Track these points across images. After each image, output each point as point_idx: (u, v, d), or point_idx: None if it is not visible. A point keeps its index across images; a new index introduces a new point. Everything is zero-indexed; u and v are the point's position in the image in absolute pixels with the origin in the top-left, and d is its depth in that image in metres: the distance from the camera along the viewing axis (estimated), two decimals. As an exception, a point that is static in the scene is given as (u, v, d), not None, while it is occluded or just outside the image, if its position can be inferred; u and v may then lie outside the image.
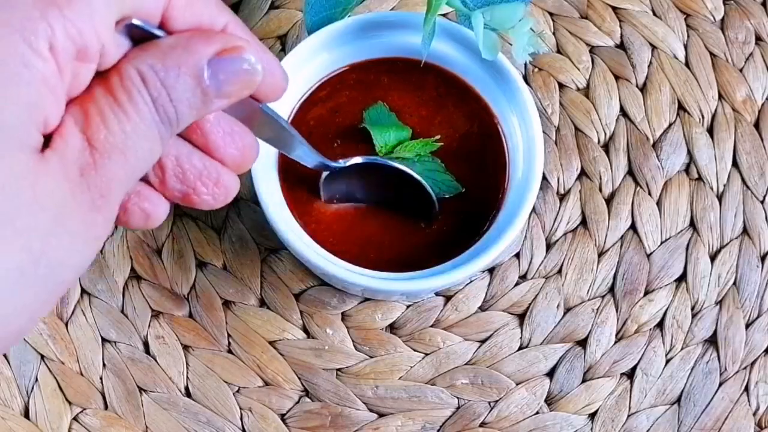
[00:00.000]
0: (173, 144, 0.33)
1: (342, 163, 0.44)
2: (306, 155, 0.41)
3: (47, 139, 0.28)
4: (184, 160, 0.33)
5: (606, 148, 0.53)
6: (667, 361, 0.51)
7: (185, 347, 0.51)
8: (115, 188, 0.30)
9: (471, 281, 0.51)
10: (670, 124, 0.54)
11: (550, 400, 0.50)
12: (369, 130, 0.46)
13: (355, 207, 0.47)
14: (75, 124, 0.29)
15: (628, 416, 0.50)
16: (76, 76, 0.29)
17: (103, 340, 0.51)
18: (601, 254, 0.52)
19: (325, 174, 0.45)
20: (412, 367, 0.50)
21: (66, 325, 0.51)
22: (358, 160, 0.45)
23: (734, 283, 0.52)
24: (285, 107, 0.47)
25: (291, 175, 0.47)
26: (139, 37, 0.30)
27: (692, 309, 0.51)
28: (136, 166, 0.30)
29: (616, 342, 0.51)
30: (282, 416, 0.50)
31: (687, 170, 0.53)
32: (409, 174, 0.45)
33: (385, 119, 0.47)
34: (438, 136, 0.47)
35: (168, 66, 0.30)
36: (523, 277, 0.52)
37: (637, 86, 0.54)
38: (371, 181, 0.46)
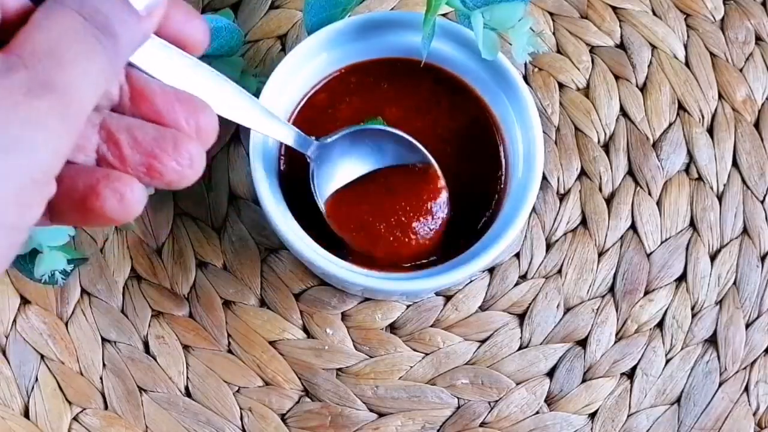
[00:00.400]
0: (123, 119, 0.31)
1: (329, 137, 0.44)
2: (284, 135, 0.40)
3: None
4: (137, 131, 0.31)
5: (606, 148, 0.53)
6: (667, 361, 0.51)
7: (185, 347, 0.51)
8: (72, 85, 0.28)
9: (471, 281, 0.51)
10: (670, 124, 0.54)
11: (550, 400, 0.50)
12: None
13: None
14: None
15: (628, 416, 0.50)
16: None
17: (103, 340, 0.51)
18: (601, 254, 0.52)
19: (313, 167, 0.44)
20: (412, 367, 0.50)
21: (66, 325, 0.51)
22: (343, 131, 0.44)
23: (734, 283, 0.52)
24: (285, 107, 0.47)
25: (291, 175, 0.47)
26: None
27: (692, 309, 0.51)
28: (86, 74, 0.28)
29: (616, 342, 0.51)
30: (282, 416, 0.50)
31: (687, 170, 0.53)
32: (396, 133, 0.45)
33: None
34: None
35: None
36: (523, 277, 0.52)
37: (637, 86, 0.54)
38: (360, 152, 0.45)
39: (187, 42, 0.33)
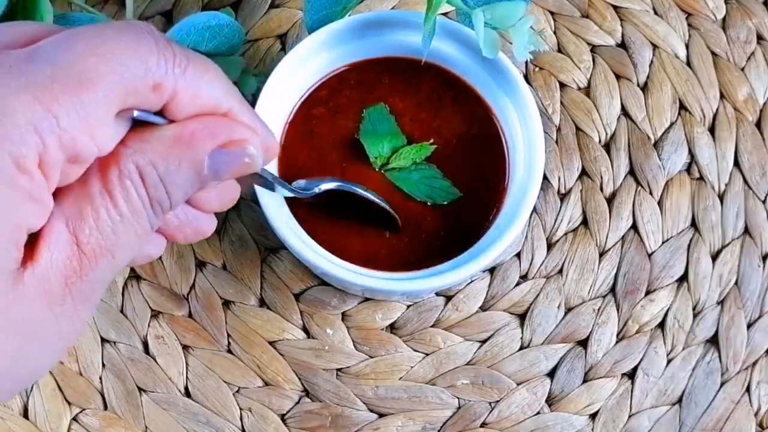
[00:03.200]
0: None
1: (311, 191, 0.44)
2: (279, 190, 0.42)
3: (32, 237, 0.28)
4: (168, 215, 0.33)
5: (607, 147, 0.53)
6: (669, 362, 0.51)
7: (185, 347, 0.51)
8: (99, 288, 0.29)
9: (471, 281, 0.51)
10: (672, 124, 0.54)
11: (551, 401, 0.50)
12: (363, 143, 0.47)
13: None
14: (65, 225, 0.28)
15: (630, 417, 0.50)
16: (67, 174, 0.28)
17: (103, 340, 0.51)
18: (602, 254, 0.52)
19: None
20: (412, 367, 0.50)
21: (65, 325, 0.51)
22: (327, 186, 0.44)
23: (736, 283, 0.51)
24: (285, 107, 0.47)
25: (291, 175, 0.47)
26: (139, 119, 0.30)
27: (693, 309, 0.51)
28: (123, 261, 0.30)
29: (617, 342, 0.51)
30: (282, 416, 0.50)
31: (688, 170, 0.53)
32: (371, 199, 0.45)
33: (384, 121, 0.47)
34: (431, 140, 0.47)
35: (169, 161, 0.29)
36: (524, 277, 0.52)
37: (638, 85, 0.54)
38: (341, 202, 0.46)
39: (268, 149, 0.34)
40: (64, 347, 0.29)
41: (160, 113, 0.30)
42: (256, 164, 0.32)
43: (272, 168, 0.46)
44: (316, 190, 0.44)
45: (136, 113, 0.29)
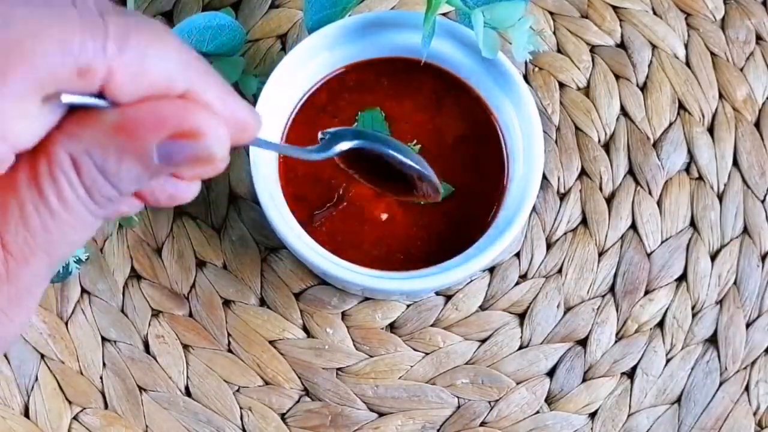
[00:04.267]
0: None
1: (321, 153, 0.39)
2: (292, 154, 0.38)
3: None
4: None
5: (606, 147, 0.53)
6: (668, 361, 0.51)
7: (185, 346, 0.51)
8: (36, 289, 0.27)
9: (471, 281, 0.51)
10: (671, 124, 0.54)
11: (550, 400, 0.50)
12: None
13: (355, 207, 0.47)
14: None
15: (629, 416, 0.50)
16: None
17: (103, 339, 0.51)
18: (601, 254, 0.52)
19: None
20: (412, 366, 0.50)
21: (66, 324, 0.51)
22: (344, 146, 0.40)
23: (735, 283, 0.52)
24: (285, 107, 0.47)
25: (291, 174, 0.47)
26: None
27: (693, 308, 0.51)
28: (63, 255, 0.27)
29: (616, 341, 0.51)
30: (282, 415, 0.50)
31: (687, 170, 0.53)
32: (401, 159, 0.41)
33: (377, 126, 0.47)
34: (415, 141, 0.47)
35: (108, 152, 0.25)
36: (524, 277, 0.52)
37: (637, 86, 0.54)
38: (364, 164, 0.42)
39: (237, 143, 0.29)
40: None
41: (101, 96, 0.25)
42: (217, 155, 0.26)
43: (273, 165, 0.46)
44: (336, 150, 0.39)
45: (64, 98, 0.25)
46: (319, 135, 0.40)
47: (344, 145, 0.39)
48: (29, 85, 0.24)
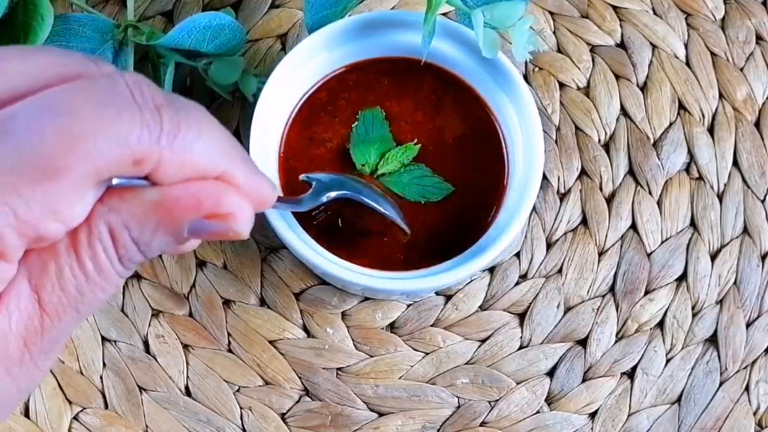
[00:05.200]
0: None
1: (310, 203, 0.42)
2: (286, 208, 0.41)
3: None
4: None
5: (606, 147, 0.53)
6: (668, 361, 0.51)
7: (185, 346, 0.51)
8: (62, 340, 0.28)
9: (471, 280, 0.51)
10: (671, 124, 0.54)
11: (550, 400, 0.50)
12: (350, 152, 0.47)
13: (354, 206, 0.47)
14: (27, 281, 0.27)
15: (629, 416, 0.50)
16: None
17: (103, 339, 0.51)
18: (601, 253, 0.52)
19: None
20: (412, 366, 0.50)
21: (66, 324, 0.51)
22: (334, 195, 0.42)
23: (735, 283, 0.52)
24: (285, 108, 0.47)
25: (291, 174, 0.47)
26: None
27: (693, 308, 0.51)
28: (88, 313, 0.29)
29: (616, 341, 0.51)
30: (282, 415, 0.50)
31: (687, 169, 0.53)
32: (374, 207, 0.44)
33: (378, 125, 0.47)
34: (415, 140, 0.47)
35: (145, 226, 0.27)
36: (524, 277, 0.52)
37: (637, 85, 0.54)
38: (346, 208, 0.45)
39: (261, 201, 0.31)
40: (20, 399, 0.28)
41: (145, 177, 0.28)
42: (242, 235, 0.29)
43: (273, 165, 0.46)
44: (324, 199, 0.42)
45: (115, 182, 0.27)
46: (301, 178, 0.42)
47: (331, 195, 0.42)
48: (86, 177, 0.25)
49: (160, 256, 0.51)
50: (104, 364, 0.50)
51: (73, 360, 0.50)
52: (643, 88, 0.54)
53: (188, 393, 0.50)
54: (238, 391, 0.50)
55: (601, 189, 0.53)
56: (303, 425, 0.50)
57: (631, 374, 0.50)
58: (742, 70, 0.55)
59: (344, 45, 0.47)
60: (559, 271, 0.52)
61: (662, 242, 0.52)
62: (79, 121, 0.25)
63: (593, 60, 0.55)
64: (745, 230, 0.52)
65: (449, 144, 0.48)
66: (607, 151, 0.53)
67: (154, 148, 0.26)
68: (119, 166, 0.26)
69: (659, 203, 0.53)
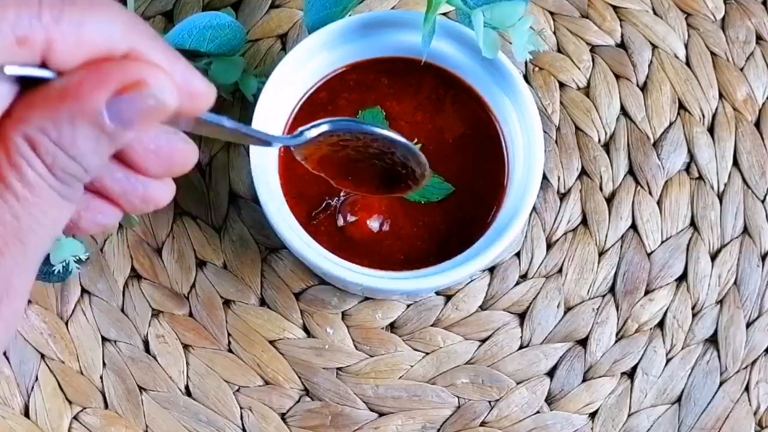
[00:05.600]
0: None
1: (305, 137, 0.36)
2: (265, 141, 0.34)
3: None
4: (106, 181, 0.29)
5: (606, 147, 0.53)
6: (668, 361, 0.51)
7: (185, 346, 0.51)
8: (18, 281, 0.26)
9: (471, 280, 0.51)
10: (671, 124, 0.54)
11: (550, 400, 0.50)
12: None
13: (354, 206, 0.47)
14: None
15: (629, 416, 0.50)
16: None
17: (104, 339, 0.51)
18: (601, 253, 0.52)
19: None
20: (412, 366, 0.50)
21: (66, 324, 0.51)
22: (324, 128, 0.36)
23: (735, 283, 0.52)
24: (285, 107, 0.47)
25: (291, 174, 0.47)
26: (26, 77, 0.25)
27: (693, 308, 0.51)
28: (42, 242, 0.27)
29: (616, 341, 0.51)
30: (282, 415, 0.50)
31: (687, 169, 0.53)
32: (379, 133, 0.38)
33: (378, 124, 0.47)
34: (415, 140, 0.47)
35: (60, 122, 0.25)
36: (524, 277, 0.52)
37: (637, 85, 0.54)
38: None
39: (191, 110, 0.28)
40: None
41: (45, 67, 0.26)
42: (165, 105, 0.26)
43: (273, 165, 0.46)
44: (308, 135, 0.36)
45: (8, 70, 0.25)
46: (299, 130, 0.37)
47: (314, 131, 0.36)
48: None
49: (161, 256, 0.51)
50: (104, 364, 0.50)
51: (73, 360, 0.50)
52: (643, 88, 0.54)
53: (188, 393, 0.50)
54: (238, 391, 0.50)
55: (601, 189, 0.53)
56: (303, 425, 0.50)
57: (631, 374, 0.50)
58: (742, 70, 0.55)
59: (344, 45, 0.47)
60: (559, 271, 0.52)
61: (662, 242, 0.52)
62: None
63: (593, 60, 0.55)
64: (745, 230, 0.52)
65: (449, 144, 0.48)
66: (607, 151, 0.53)
67: (36, 25, 0.24)
68: (2, 46, 0.24)
69: (659, 203, 0.53)
